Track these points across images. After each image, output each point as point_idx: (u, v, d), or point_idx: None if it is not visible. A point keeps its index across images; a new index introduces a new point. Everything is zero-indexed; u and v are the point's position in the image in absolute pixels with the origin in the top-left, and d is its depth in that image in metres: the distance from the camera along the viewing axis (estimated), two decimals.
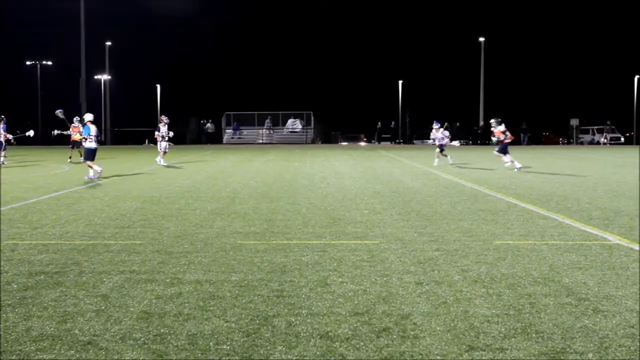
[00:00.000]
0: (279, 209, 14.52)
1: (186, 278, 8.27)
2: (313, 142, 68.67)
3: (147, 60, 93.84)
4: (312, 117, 71.55)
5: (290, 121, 71.94)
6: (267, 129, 70.52)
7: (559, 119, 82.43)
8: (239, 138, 70.22)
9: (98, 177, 21.69)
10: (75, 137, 32.03)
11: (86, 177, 21.78)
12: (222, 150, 48.46)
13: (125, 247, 10.15)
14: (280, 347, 5.85)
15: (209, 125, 69.21)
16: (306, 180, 21.84)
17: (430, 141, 36.58)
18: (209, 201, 16.06)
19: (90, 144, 21.58)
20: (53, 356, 5.56)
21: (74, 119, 32.73)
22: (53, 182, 21.10)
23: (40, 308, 6.90)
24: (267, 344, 5.94)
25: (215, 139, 68.05)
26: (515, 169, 26.09)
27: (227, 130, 71.19)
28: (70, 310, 6.84)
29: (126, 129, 73.27)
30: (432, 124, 30.61)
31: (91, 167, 21.71)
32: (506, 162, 26.96)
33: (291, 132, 71.37)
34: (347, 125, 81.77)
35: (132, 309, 6.90)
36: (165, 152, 30.51)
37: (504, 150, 26.86)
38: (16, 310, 6.83)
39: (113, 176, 23.17)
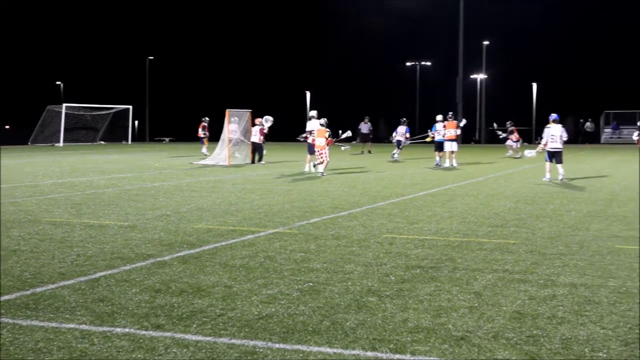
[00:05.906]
0: None
1: (560, 280, 8.04)
2: None
3: (524, 59, 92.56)
4: None
5: None
6: None
7: None
8: (619, 138, 66.62)
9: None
10: None
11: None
12: (599, 150, 46.46)
13: (498, 246, 10.16)
14: None
15: (588, 124, 66.66)
16: None
17: None
18: (584, 202, 15.47)
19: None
20: (427, 348, 5.73)
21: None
22: (430, 179, 21.80)
23: (416, 301, 7.16)
24: None
25: (592, 138, 65.35)
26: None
27: (606, 130, 68.01)
28: (445, 305, 7.01)
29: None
30: None
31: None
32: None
33: None
34: None
35: (504, 308, 6.87)
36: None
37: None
38: (394, 301, 7.16)
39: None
